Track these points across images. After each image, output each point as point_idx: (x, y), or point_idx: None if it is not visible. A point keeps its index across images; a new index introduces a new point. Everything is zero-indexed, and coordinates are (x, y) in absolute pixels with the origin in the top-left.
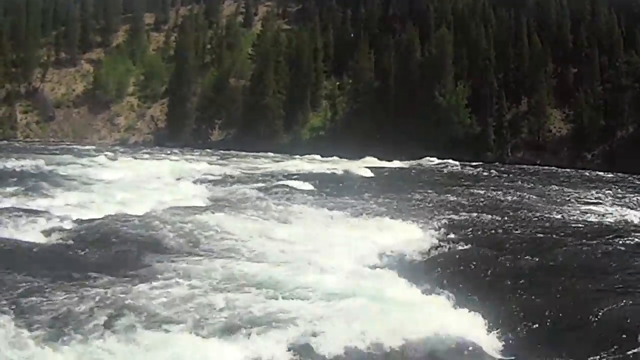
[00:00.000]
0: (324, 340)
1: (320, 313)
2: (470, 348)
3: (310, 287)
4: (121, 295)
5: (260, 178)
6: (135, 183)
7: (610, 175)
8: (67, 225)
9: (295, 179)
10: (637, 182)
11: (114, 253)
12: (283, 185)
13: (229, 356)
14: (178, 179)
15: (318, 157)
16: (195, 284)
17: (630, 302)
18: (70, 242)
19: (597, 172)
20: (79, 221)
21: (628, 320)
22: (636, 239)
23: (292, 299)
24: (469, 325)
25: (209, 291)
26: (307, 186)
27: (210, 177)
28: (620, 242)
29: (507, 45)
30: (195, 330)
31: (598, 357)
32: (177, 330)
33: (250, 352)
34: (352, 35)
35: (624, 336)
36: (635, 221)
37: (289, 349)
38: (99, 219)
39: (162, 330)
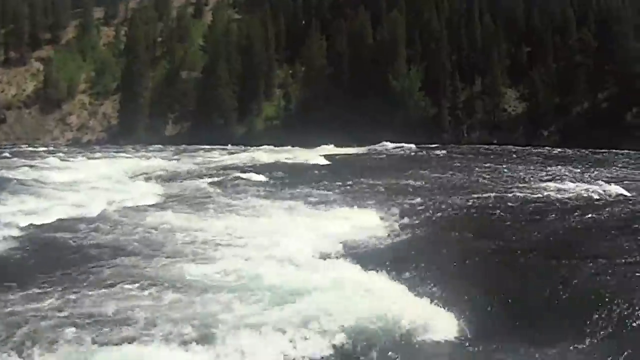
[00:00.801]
0: (282, 334)
1: (276, 308)
2: (430, 334)
3: (265, 282)
4: (69, 303)
5: (214, 172)
6: (87, 184)
7: (566, 151)
8: (15, 232)
9: (249, 171)
10: (593, 157)
11: (63, 259)
12: (237, 177)
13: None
14: (131, 178)
15: (273, 147)
16: (145, 287)
17: (594, 278)
18: (18, 249)
19: (554, 149)
20: (27, 227)
21: (592, 297)
22: (596, 214)
23: (247, 295)
24: (429, 312)
25: (160, 294)
26: (262, 178)
27: (164, 174)
28: (581, 217)
29: (460, 26)
30: (146, 337)
31: (561, 337)
32: (128, 338)
33: (207, 355)
34: (303, 22)
35: (588, 314)
36: (594, 196)
37: (246, 348)
38: (48, 223)
39: (113, 339)
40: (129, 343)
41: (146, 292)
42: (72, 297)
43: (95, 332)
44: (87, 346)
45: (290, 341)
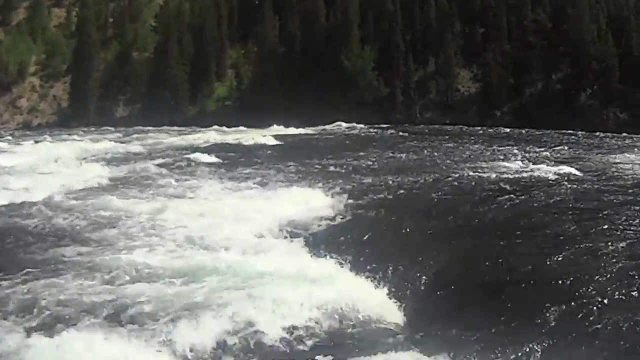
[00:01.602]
0: (223, 320)
1: (219, 293)
2: (377, 319)
3: (209, 266)
4: (11, 293)
5: (164, 153)
6: (34, 168)
7: (519, 131)
8: None
9: (199, 152)
10: (546, 138)
11: (6, 247)
12: (187, 159)
13: (120, 351)
14: (80, 161)
15: (225, 127)
16: (84, 274)
17: (543, 259)
18: None
19: (507, 129)
20: None
21: (540, 279)
22: (546, 194)
23: (190, 281)
24: (376, 295)
25: (103, 282)
26: (211, 159)
27: (114, 156)
28: (531, 198)
29: (414, 6)
30: (87, 326)
31: (510, 320)
32: (71, 328)
33: (145, 344)
34: (256, 1)
35: (537, 296)
36: (546, 176)
37: (186, 336)
38: None
39: (45, 327)
40: (63, 332)
41: (85, 279)
42: (5, 283)
43: (28, 321)
44: (18, 335)
45: (231, 327)
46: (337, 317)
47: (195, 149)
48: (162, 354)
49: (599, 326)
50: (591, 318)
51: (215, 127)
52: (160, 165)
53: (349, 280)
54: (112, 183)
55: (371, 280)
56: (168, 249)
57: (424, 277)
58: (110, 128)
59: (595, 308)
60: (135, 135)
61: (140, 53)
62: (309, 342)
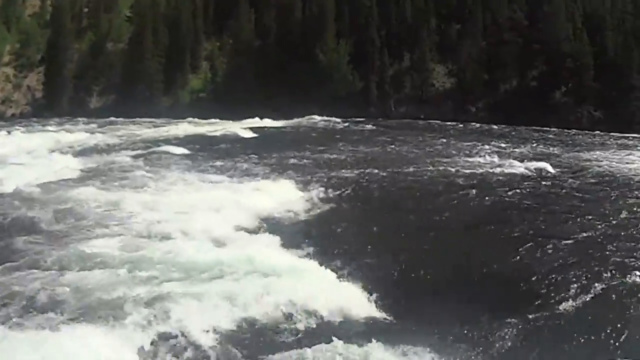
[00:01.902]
0: (195, 313)
1: (189, 284)
2: (345, 312)
3: (180, 258)
4: None
5: (138, 145)
6: (5, 159)
7: (493, 127)
8: None
9: (173, 144)
10: (520, 134)
11: None
12: (160, 151)
13: (92, 343)
14: (53, 152)
15: (199, 119)
16: (53, 265)
17: (513, 254)
18: None
19: (481, 125)
20: None
21: (510, 274)
22: (519, 190)
23: (161, 271)
24: (347, 289)
25: (68, 272)
26: (185, 151)
27: (86, 148)
28: (505, 194)
29: (389, 1)
30: (48, 316)
31: (476, 313)
32: (36, 319)
33: (117, 335)
34: None
35: (505, 290)
36: (519, 172)
37: (157, 328)
38: None
39: (9, 317)
40: (31, 323)
41: (54, 270)
42: None
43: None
44: None
45: (203, 316)
46: (304, 308)
47: (169, 141)
48: (115, 343)
49: (565, 318)
50: (558, 311)
51: (190, 119)
52: (133, 157)
53: (318, 272)
54: (84, 174)
55: (340, 273)
56: (134, 240)
57: (392, 271)
58: (84, 119)
59: (563, 302)
60: (108, 127)
61: (115, 44)
62: (275, 333)
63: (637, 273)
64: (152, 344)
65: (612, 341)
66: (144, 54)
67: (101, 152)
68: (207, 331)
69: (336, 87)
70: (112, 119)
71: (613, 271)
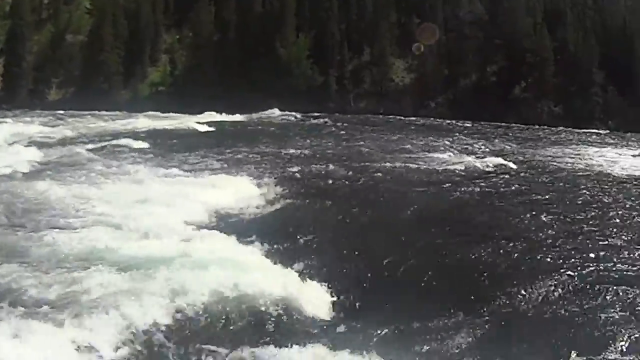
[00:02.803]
0: (148, 310)
1: (143, 281)
2: (300, 308)
3: (133, 254)
4: None
5: (94, 138)
6: None
7: (453, 123)
8: None
9: (130, 138)
10: (480, 130)
11: None
12: (117, 145)
13: (48, 343)
14: (9, 144)
15: (158, 113)
16: (9, 262)
17: (469, 250)
18: None
19: (441, 120)
20: None
21: (471, 270)
22: (479, 185)
23: (113, 267)
24: (299, 285)
25: (19, 266)
26: (142, 144)
27: (44, 140)
28: (463, 189)
29: None
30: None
31: (431, 311)
32: None
33: (71, 335)
34: None
35: (466, 286)
36: (479, 168)
37: (110, 326)
38: None
39: None
40: None
41: (13, 264)
42: None
43: None
44: None
45: (158, 313)
46: (259, 305)
47: (127, 134)
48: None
49: (521, 313)
50: (514, 306)
51: (148, 112)
52: (90, 151)
53: (272, 268)
54: (41, 167)
55: (295, 269)
56: (95, 234)
57: (347, 267)
58: (42, 112)
59: (519, 297)
60: (67, 120)
61: (75, 36)
62: (228, 330)
63: (592, 268)
64: (93, 340)
65: (566, 335)
66: (103, 46)
67: (58, 145)
68: (152, 327)
69: (296, 81)
70: (71, 111)
71: (568, 266)
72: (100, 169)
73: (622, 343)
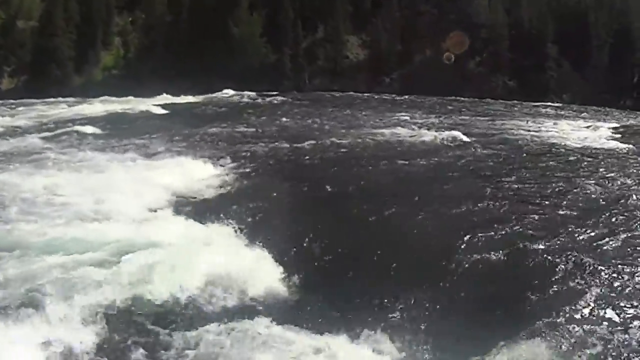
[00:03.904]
0: (109, 297)
1: (102, 268)
2: (256, 288)
3: (91, 241)
4: None
5: (49, 126)
6: None
7: (408, 98)
8: None
9: (84, 124)
10: (435, 104)
11: None
12: (71, 131)
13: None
14: None
15: (113, 98)
16: None
17: (424, 225)
18: None
19: (396, 96)
20: None
21: (426, 243)
22: (435, 159)
23: (71, 256)
24: (256, 264)
25: None
26: (97, 130)
27: None
28: (420, 163)
29: None
30: None
31: (387, 287)
32: None
33: (37, 326)
34: None
35: (423, 262)
36: (434, 142)
37: (72, 315)
38: None
39: None
40: None
41: None
42: None
43: None
44: None
45: (115, 301)
46: (218, 286)
47: (82, 120)
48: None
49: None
50: (466, 280)
51: (103, 97)
52: (45, 139)
53: (234, 248)
54: None
55: (254, 248)
56: (50, 223)
57: (305, 244)
58: None
59: (477, 272)
60: (20, 109)
61: (26, 21)
62: (188, 311)
63: (545, 240)
64: (55, 331)
65: (523, 311)
66: (55, 31)
67: (11, 135)
68: (113, 314)
69: (250, 60)
70: (24, 100)
71: (525, 238)
72: (56, 157)
73: (587, 314)
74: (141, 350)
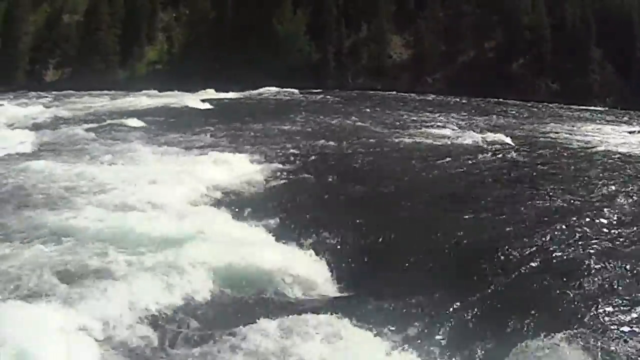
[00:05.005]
0: (152, 289)
1: (146, 258)
2: (302, 284)
3: (135, 231)
4: None
5: (92, 118)
6: None
7: (451, 99)
8: None
9: (128, 117)
10: (478, 106)
11: None
12: (115, 124)
13: (45, 320)
14: (8, 126)
15: (155, 91)
16: (13, 238)
17: (471, 227)
18: None
19: (438, 97)
20: None
21: (472, 245)
22: (478, 161)
23: (117, 245)
24: (303, 261)
25: (28, 245)
26: (140, 123)
27: (42, 121)
28: (463, 165)
29: None
30: (13, 292)
31: (436, 287)
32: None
33: (82, 313)
34: None
35: (467, 261)
36: (477, 144)
37: (115, 305)
38: None
39: None
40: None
41: (14, 243)
42: None
43: None
44: None
45: (159, 291)
46: (262, 281)
47: (125, 113)
48: (75, 319)
49: (523, 290)
50: (517, 283)
51: (146, 91)
52: (88, 130)
53: (275, 245)
54: (41, 148)
55: (298, 246)
56: (93, 213)
57: (351, 243)
58: (40, 93)
59: (521, 274)
60: (64, 100)
61: (71, 16)
62: (231, 305)
63: (593, 243)
64: (104, 320)
65: (575, 313)
66: (100, 25)
67: (57, 126)
68: (155, 305)
69: (293, 58)
70: (69, 92)
71: (570, 242)
72: (99, 148)
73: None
74: (186, 345)
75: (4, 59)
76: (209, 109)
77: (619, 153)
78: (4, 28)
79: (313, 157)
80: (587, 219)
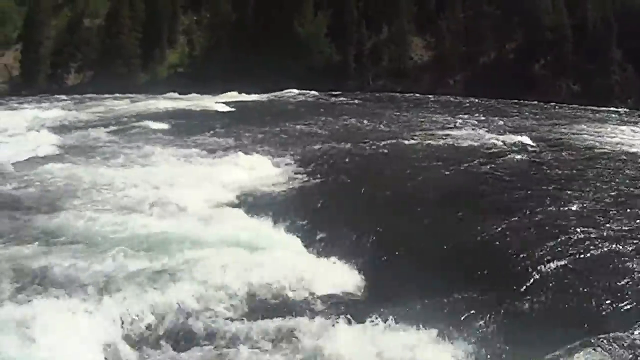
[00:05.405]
0: (174, 290)
1: (167, 261)
2: (325, 287)
3: (156, 234)
4: None
5: (114, 121)
6: None
7: (472, 100)
8: None
9: (150, 119)
10: (499, 107)
11: None
12: (137, 126)
13: (80, 320)
14: (29, 129)
15: (177, 94)
16: (34, 240)
17: (493, 228)
18: None
19: (459, 98)
20: None
21: (492, 248)
22: (499, 163)
23: (138, 248)
24: (326, 264)
25: (49, 247)
26: (162, 126)
27: (64, 124)
28: (485, 167)
29: None
30: (33, 293)
31: (459, 288)
32: (16, 295)
33: (105, 313)
34: None
35: (492, 263)
36: (499, 145)
37: (141, 304)
38: None
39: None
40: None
41: (34, 245)
42: None
43: None
44: None
45: (182, 294)
46: (287, 283)
47: (147, 116)
48: (97, 321)
49: (543, 293)
50: (536, 285)
51: (167, 94)
52: (111, 133)
53: (296, 246)
54: (62, 151)
55: (318, 247)
56: (117, 216)
57: (370, 244)
58: (61, 96)
59: (541, 276)
60: (86, 103)
61: (92, 20)
62: (261, 308)
63: (614, 246)
64: (125, 322)
65: (590, 315)
66: (121, 29)
67: (79, 129)
68: (175, 306)
69: (314, 60)
70: (90, 95)
71: (591, 245)
72: (121, 151)
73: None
74: (212, 345)
75: (26, 63)
76: (229, 112)
77: None
78: (26, 32)
79: (332, 160)
80: (611, 222)
